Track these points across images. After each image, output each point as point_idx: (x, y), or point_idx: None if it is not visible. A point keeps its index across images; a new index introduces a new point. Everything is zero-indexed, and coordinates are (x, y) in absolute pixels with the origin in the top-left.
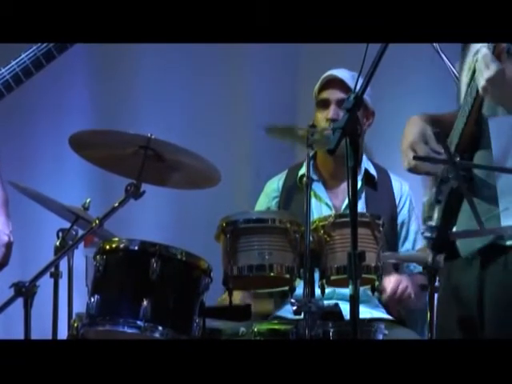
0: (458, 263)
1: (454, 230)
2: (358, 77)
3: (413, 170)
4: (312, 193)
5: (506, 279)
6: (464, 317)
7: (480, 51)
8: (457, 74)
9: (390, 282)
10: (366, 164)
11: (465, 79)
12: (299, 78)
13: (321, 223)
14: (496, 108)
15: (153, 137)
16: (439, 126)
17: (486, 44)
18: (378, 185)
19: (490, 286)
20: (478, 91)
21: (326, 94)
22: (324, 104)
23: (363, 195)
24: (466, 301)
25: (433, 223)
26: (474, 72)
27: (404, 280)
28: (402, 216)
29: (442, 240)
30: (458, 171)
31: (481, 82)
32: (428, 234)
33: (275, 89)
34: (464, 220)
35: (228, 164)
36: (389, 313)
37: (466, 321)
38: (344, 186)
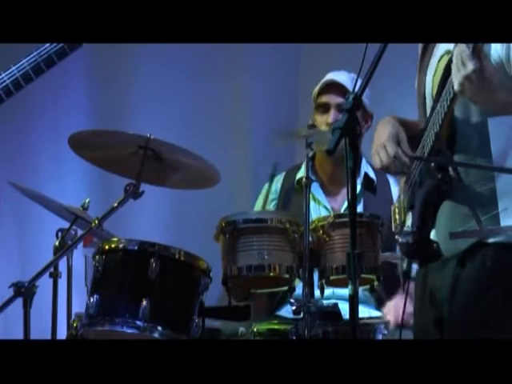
0: (434, 265)
1: (434, 233)
2: (357, 77)
3: (385, 168)
4: (310, 195)
5: (481, 276)
6: (439, 317)
7: (457, 47)
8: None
9: (390, 312)
10: (366, 168)
11: (429, 85)
12: (300, 78)
13: (320, 223)
14: (469, 109)
15: (152, 137)
16: (406, 129)
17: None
18: (376, 189)
19: (464, 282)
20: (455, 92)
21: (325, 99)
22: (324, 108)
23: (362, 200)
24: (440, 301)
25: (409, 228)
26: (446, 74)
27: (401, 303)
28: None
29: (420, 245)
30: (456, 171)
31: (457, 78)
32: (404, 240)
33: (276, 89)
34: (443, 223)
35: (227, 164)
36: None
37: (440, 321)
38: (343, 189)
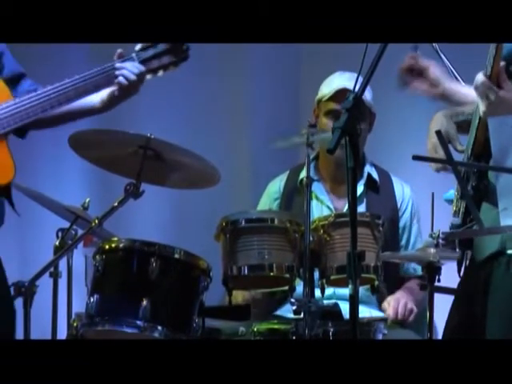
0: (474, 265)
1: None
2: (358, 77)
3: (438, 171)
4: (313, 195)
5: (507, 282)
6: (469, 316)
7: (477, 78)
8: (456, 75)
9: (390, 305)
10: (369, 168)
11: None
12: (300, 78)
13: (321, 223)
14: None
15: (152, 137)
16: (463, 117)
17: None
18: (380, 189)
19: (493, 286)
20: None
21: (338, 106)
22: (334, 115)
23: (365, 200)
24: (472, 301)
25: (458, 220)
26: None
27: (402, 297)
28: (403, 220)
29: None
30: (456, 171)
31: (481, 108)
32: (454, 223)
33: (276, 90)
34: (486, 218)
35: (228, 164)
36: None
37: (469, 320)
38: (346, 189)
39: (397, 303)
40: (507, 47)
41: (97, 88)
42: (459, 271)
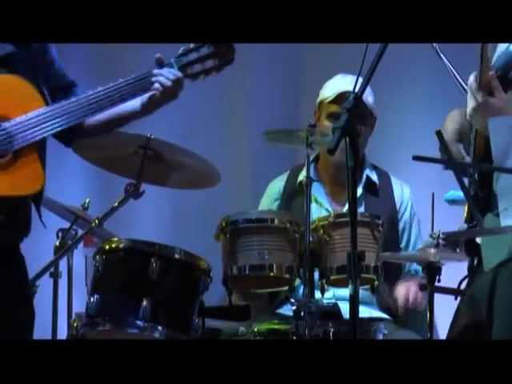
0: (481, 270)
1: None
2: (358, 77)
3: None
4: (313, 198)
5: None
6: (474, 320)
7: (469, 78)
8: (456, 75)
9: (400, 292)
10: (369, 171)
11: None
12: (300, 78)
13: (320, 223)
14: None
15: (152, 137)
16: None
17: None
18: (379, 191)
19: (500, 290)
20: None
21: (340, 109)
22: (337, 118)
23: (363, 203)
24: (478, 305)
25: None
26: None
27: (412, 285)
28: (403, 221)
29: (468, 241)
30: (457, 172)
31: (468, 109)
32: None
33: (276, 89)
34: (489, 221)
35: (228, 164)
36: (388, 313)
37: (475, 324)
38: (345, 191)
39: (407, 291)
40: (505, 55)
41: (133, 95)
42: (469, 276)
